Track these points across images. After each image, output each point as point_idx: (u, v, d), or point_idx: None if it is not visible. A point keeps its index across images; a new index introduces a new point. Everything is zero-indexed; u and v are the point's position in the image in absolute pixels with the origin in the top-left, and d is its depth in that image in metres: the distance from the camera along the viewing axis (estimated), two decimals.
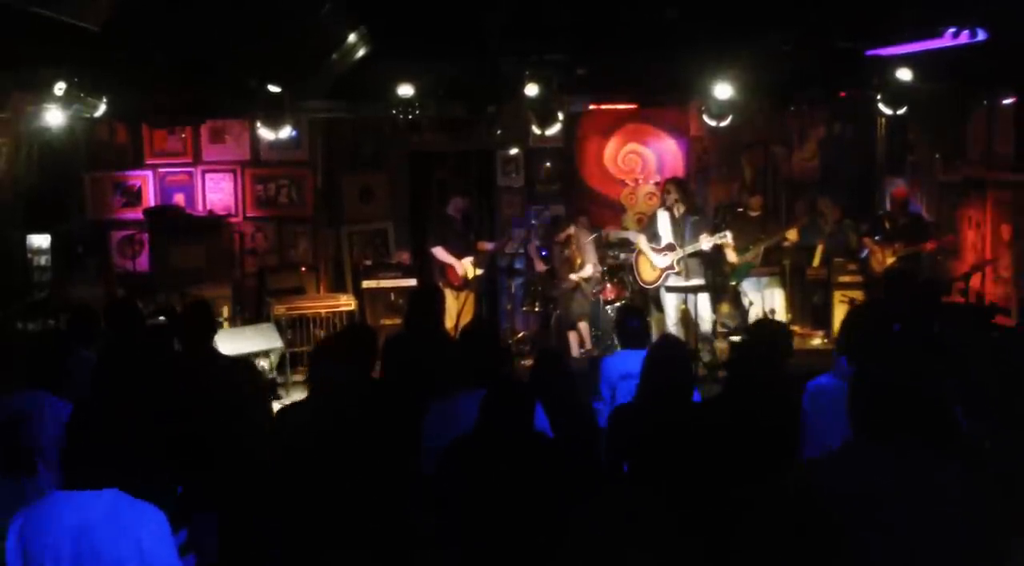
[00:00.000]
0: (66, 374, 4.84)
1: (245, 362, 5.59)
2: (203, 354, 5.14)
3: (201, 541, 3.98)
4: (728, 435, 3.66)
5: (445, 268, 9.42)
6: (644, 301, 9.89)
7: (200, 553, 3.87)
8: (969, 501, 3.09)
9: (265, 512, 4.25)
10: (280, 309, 9.56)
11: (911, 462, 3.18)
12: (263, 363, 8.41)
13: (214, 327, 5.45)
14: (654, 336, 9.89)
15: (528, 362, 8.98)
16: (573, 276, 9.56)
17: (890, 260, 9.20)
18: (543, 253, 10.14)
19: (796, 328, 10.11)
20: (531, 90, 8.05)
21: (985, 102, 8.81)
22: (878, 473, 3.17)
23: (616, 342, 9.41)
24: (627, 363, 5.33)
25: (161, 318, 7.41)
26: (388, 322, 9.82)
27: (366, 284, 10.12)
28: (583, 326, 9.73)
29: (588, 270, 9.60)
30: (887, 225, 9.47)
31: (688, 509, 3.25)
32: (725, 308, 10.12)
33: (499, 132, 9.75)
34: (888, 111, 8.32)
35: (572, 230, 9.63)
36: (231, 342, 8.04)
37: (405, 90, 8.21)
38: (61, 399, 4.45)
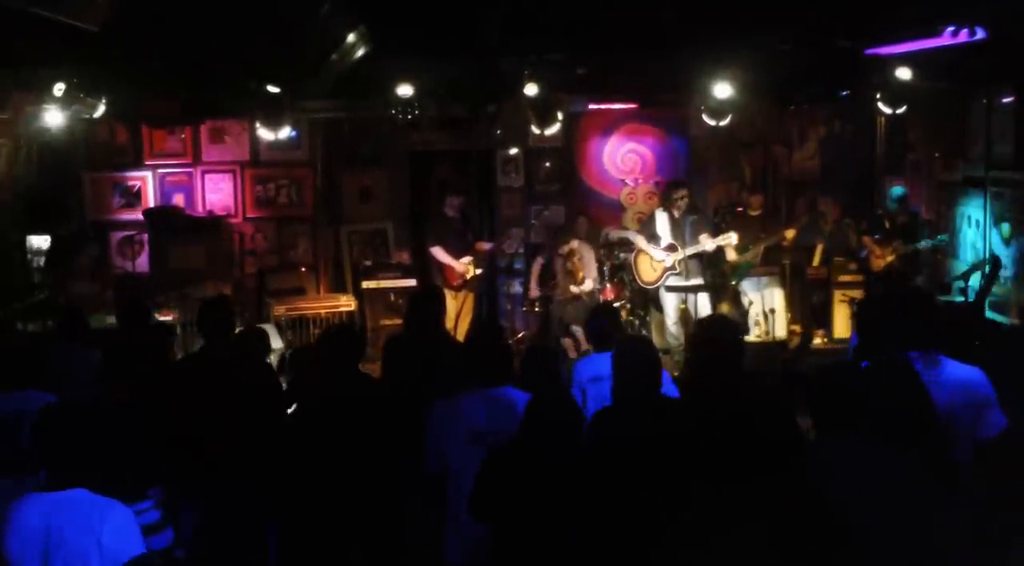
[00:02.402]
0: (65, 373, 4.86)
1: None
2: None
3: (190, 538, 3.98)
4: (691, 436, 3.66)
5: (443, 268, 9.41)
6: (644, 301, 9.90)
7: (188, 549, 3.87)
8: (924, 491, 3.15)
9: (266, 511, 4.26)
10: (280, 310, 9.56)
11: (866, 457, 3.23)
12: None
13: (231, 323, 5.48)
14: (655, 336, 9.94)
15: None
16: (574, 289, 9.55)
17: (889, 259, 9.21)
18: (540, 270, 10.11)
19: (796, 327, 10.12)
20: (531, 90, 8.05)
21: (985, 101, 8.81)
22: (849, 467, 3.22)
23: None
24: (596, 366, 5.32)
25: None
26: (388, 322, 9.82)
27: (366, 284, 10.12)
28: (578, 330, 9.73)
29: (588, 284, 9.61)
30: (886, 224, 9.48)
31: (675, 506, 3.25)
32: (725, 308, 10.11)
33: (499, 132, 9.75)
34: (888, 110, 8.31)
35: (575, 244, 9.63)
36: None
37: (404, 90, 8.20)
38: (55, 397, 4.46)
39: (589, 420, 4.31)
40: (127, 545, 3.19)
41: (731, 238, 8.84)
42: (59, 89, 7.32)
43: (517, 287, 10.69)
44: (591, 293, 9.64)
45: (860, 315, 5.45)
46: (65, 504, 3.20)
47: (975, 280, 8.48)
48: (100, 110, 7.97)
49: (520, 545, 3.68)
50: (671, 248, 8.89)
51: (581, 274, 9.57)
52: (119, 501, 3.24)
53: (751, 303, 9.76)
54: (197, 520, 4.30)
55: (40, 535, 3.15)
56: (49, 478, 3.29)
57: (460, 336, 8.64)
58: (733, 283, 9.78)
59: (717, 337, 4.45)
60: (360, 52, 7.30)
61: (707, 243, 8.75)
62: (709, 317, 6.77)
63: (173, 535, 3.62)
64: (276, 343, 8.70)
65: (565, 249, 9.65)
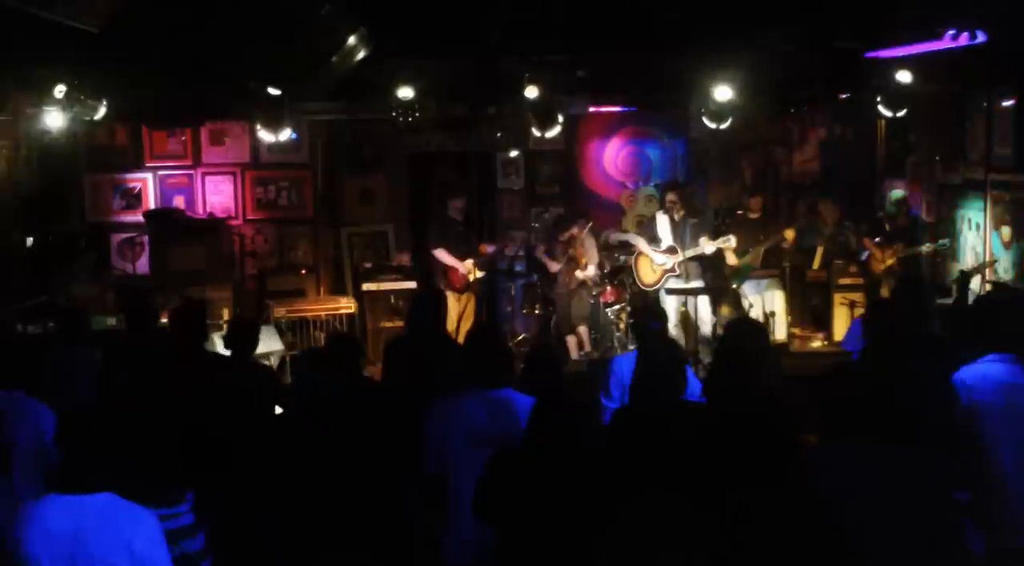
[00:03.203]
0: (64, 374, 4.85)
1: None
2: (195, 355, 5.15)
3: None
4: (714, 436, 3.66)
5: (447, 270, 9.41)
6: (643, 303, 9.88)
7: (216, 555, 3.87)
8: (940, 493, 3.15)
9: (269, 513, 4.25)
10: (280, 311, 9.55)
11: (880, 460, 3.23)
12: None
13: (206, 328, 5.46)
14: None
15: None
16: (579, 274, 9.51)
17: (890, 262, 9.20)
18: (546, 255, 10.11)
19: (796, 330, 10.11)
20: (531, 92, 8.06)
21: (985, 103, 8.81)
22: (853, 471, 3.22)
23: (615, 344, 9.45)
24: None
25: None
26: (388, 324, 9.82)
27: (366, 286, 10.11)
28: (582, 330, 9.71)
29: (592, 270, 9.58)
30: (887, 227, 9.48)
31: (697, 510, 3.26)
32: (725, 310, 10.11)
33: (499, 134, 9.74)
34: (888, 113, 8.32)
35: (575, 230, 9.61)
36: None
37: (405, 92, 8.21)
38: (37, 399, 4.46)
39: (610, 419, 4.31)
40: (159, 553, 3.17)
41: (730, 240, 8.84)
42: (59, 91, 7.32)
43: (518, 289, 10.68)
44: (593, 281, 9.59)
45: (873, 318, 5.45)
46: (94, 508, 3.14)
47: (975, 283, 8.50)
48: (100, 112, 7.97)
49: (524, 547, 3.67)
50: (671, 250, 8.90)
51: (584, 259, 9.53)
52: (158, 504, 3.23)
53: (751, 305, 9.76)
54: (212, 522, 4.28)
55: (67, 538, 3.09)
56: (70, 480, 3.20)
57: (462, 339, 8.64)
58: (733, 286, 9.78)
59: (738, 343, 4.46)
60: (360, 54, 7.29)
61: (706, 245, 8.75)
62: (734, 321, 6.74)
63: (205, 540, 3.62)
64: (276, 345, 8.70)
65: (565, 236, 9.61)
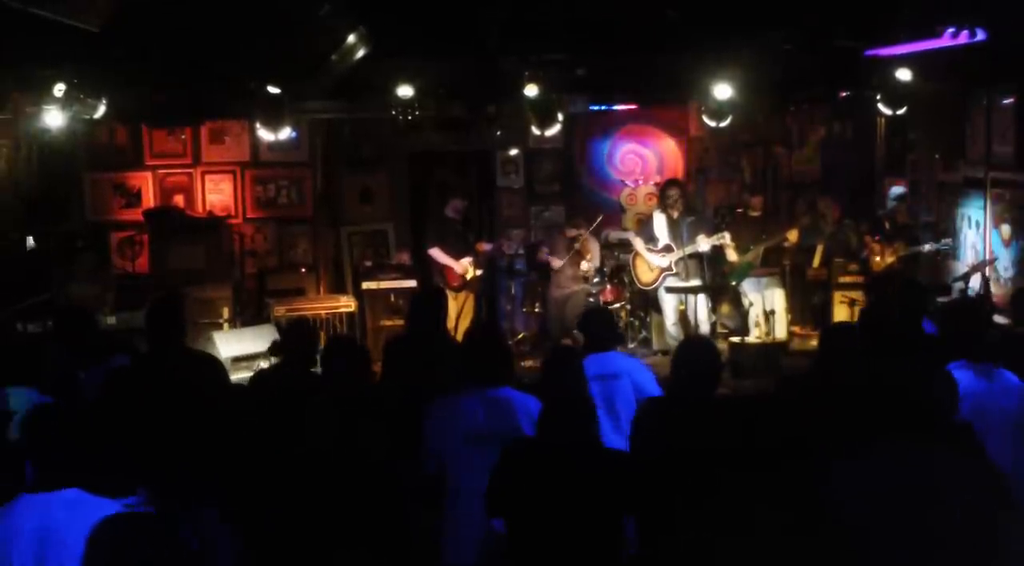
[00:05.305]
0: (67, 375, 4.85)
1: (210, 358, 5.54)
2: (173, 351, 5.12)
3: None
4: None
5: (443, 269, 9.41)
6: (643, 302, 9.89)
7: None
8: (962, 491, 3.15)
9: (266, 513, 4.26)
10: (280, 310, 9.54)
11: (906, 460, 3.23)
12: (263, 364, 8.39)
13: (182, 323, 5.39)
14: (654, 338, 9.94)
15: (528, 363, 8.98)
16: (584, 264, 9.48)
17: (890, 260, 9.20)
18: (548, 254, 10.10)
19: (796, 329, 10.11)
20: (531, 90, 8.06)
21: (985, 101, 8.81)
22: (879, 473, 3.21)
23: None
24: (601, 364, 5.32)
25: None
26: (388, 323, 9.81)
27: (366, 285, 10.11)
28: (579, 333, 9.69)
29: (596, 262, 9.59)
30: (887, 225, 9.48)
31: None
32: (725, 309, 10.11)
33: (498, 132, 9.74)
34: (888, 111, 8.33)
35: (583, 230, 9.60)
36: (231, 343, 8.04)
37: (404, 90, 8.21)
38: (47, 396, 4.46)
39: (635, 411, 4.32)
40: None
41: (724, 237, 8.83)
42: (59, 89, 7.32)
43: (518, 287, 10.68)
44: (589, 282, 9.58)
45: (867, 319, 5.45)
46: (60, 504, 3.16)
47: (975, 282, 8.49)
48: (100, 111, 7.98)
49: (535, 542, 3.68)
50: (667, 249, 8.90)
51: (588, 254, 9.51)
52: (109, 498, 3.23)
53: (751, 304, 9.74)
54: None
55: (32, 536, 3.11)
56: (39, 478, 3.24)
57: (460, 337, 8.64)
58: (733, 284, 9.78)
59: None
60: (360, 53, 7.31)
61: (702, 244, 8.75)
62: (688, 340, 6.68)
63: None
64: None
65: (572, 233, 9.61)
